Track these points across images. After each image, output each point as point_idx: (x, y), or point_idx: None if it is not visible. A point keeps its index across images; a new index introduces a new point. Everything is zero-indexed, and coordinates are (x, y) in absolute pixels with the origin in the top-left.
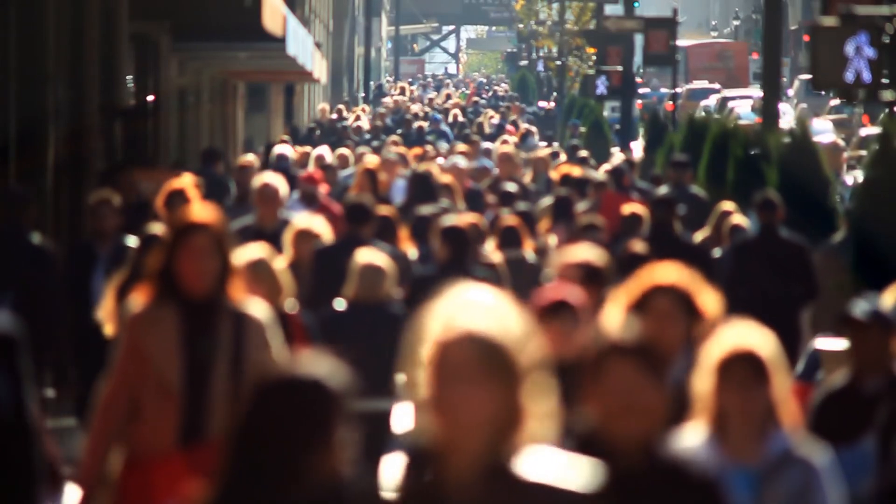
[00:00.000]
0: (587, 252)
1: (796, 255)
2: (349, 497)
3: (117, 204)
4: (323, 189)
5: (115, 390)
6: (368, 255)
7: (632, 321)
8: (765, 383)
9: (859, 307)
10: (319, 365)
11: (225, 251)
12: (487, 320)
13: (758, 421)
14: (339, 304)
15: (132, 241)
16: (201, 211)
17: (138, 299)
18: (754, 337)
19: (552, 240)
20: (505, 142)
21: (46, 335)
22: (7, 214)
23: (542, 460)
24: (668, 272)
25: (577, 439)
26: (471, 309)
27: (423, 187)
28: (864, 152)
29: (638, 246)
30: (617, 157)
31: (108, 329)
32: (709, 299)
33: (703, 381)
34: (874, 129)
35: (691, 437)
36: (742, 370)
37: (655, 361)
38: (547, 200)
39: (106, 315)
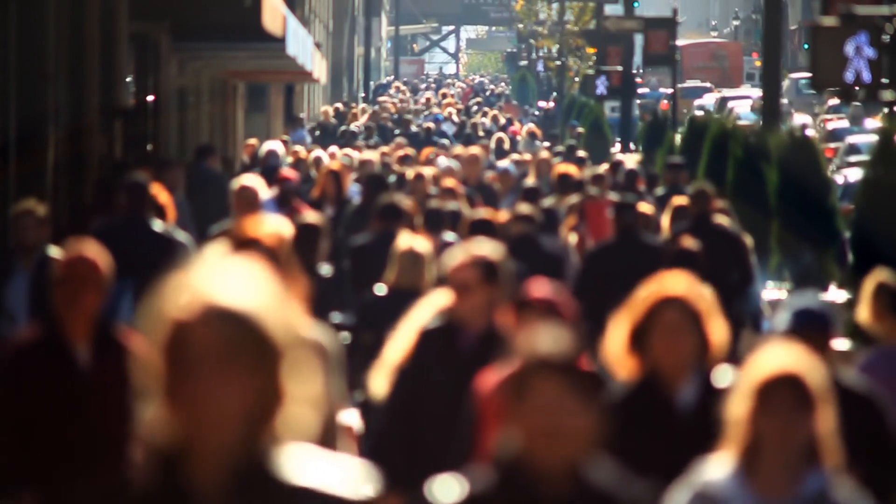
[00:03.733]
0: (483, 249)
1: (731, 243)
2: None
3: (42, 215)
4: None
5: None
6: (409, 241)
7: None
8: (809, 413)
9: (782, 319)
10: None
11: (281, 267)
12: (233, 293)
13: (796, 454)
14: (380, 290)
15: (56, 252)
16: (254, 224)
17: None
18: (802, 360)
19: (573, 238)
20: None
21: None
22: (130, 203)
23: (305, 460)
24: (677, 284)
25: (499, 465)
26: (214, 281)
27: (378, 188)
28: (833, 145)
29: (688, 241)
30: (619, 157)
31: None
32: (718, 316)
33: (738, 405)
34: (841, 123)
35: (716, 469)
36: (786, 395)
37: (586, 380)
38: (550, 200)
39: None
